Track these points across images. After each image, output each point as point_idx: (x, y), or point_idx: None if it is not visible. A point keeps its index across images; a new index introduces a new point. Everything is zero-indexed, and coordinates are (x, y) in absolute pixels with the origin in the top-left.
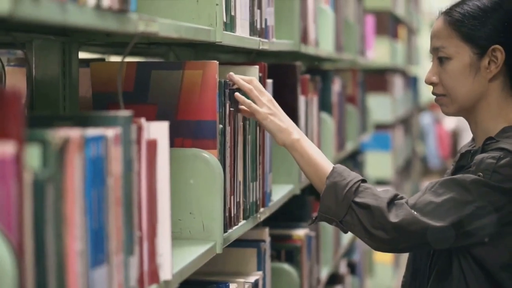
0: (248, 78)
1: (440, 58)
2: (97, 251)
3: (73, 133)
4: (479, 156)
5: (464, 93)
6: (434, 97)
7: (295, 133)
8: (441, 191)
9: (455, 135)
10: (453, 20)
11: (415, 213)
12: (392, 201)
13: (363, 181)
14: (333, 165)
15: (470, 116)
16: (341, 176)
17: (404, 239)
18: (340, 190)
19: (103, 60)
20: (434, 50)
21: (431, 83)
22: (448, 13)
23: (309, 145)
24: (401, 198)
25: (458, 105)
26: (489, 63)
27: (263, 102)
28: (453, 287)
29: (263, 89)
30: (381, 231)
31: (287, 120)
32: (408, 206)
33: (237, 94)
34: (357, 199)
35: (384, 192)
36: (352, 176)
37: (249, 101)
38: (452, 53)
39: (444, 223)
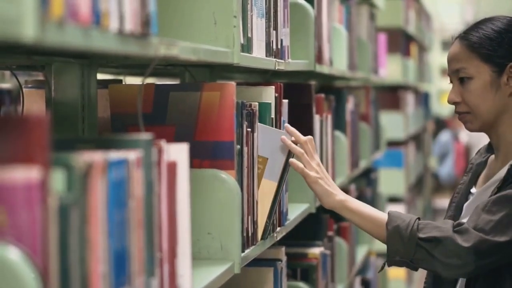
0: (304, 140)
1: (461, 78)
2: (120, 273)
3: (97, 157)
4: None
5: (487, 109)
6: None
7: (340, 194)
8: (495, 209)
9: (468, 150)
10: (471, 43)
11: (480, 234)
12: (455, 228)
13: (418, 218)
14: (388, 212)
15: (492, 130)
16: (400, 219)
17: (477, 261)
18: (403, 232)
19: (120, 81)
20: (454, 72)
21: (454, 103)
22: (464, 37)
23: (356, 202)
24: (459, 224)
25: (481, 121)
26: (507, 79)
27: (313, 166)
28: None
29: (314, 152)
30: (454, 259)
31: (332, 184)
32: (472, 229)
33: (292, 160)
34: (422, 235)
35: (444, 223)
36: (409, 216)
37: (302, 166)
38: (473, 73)
39: (508, 237)
